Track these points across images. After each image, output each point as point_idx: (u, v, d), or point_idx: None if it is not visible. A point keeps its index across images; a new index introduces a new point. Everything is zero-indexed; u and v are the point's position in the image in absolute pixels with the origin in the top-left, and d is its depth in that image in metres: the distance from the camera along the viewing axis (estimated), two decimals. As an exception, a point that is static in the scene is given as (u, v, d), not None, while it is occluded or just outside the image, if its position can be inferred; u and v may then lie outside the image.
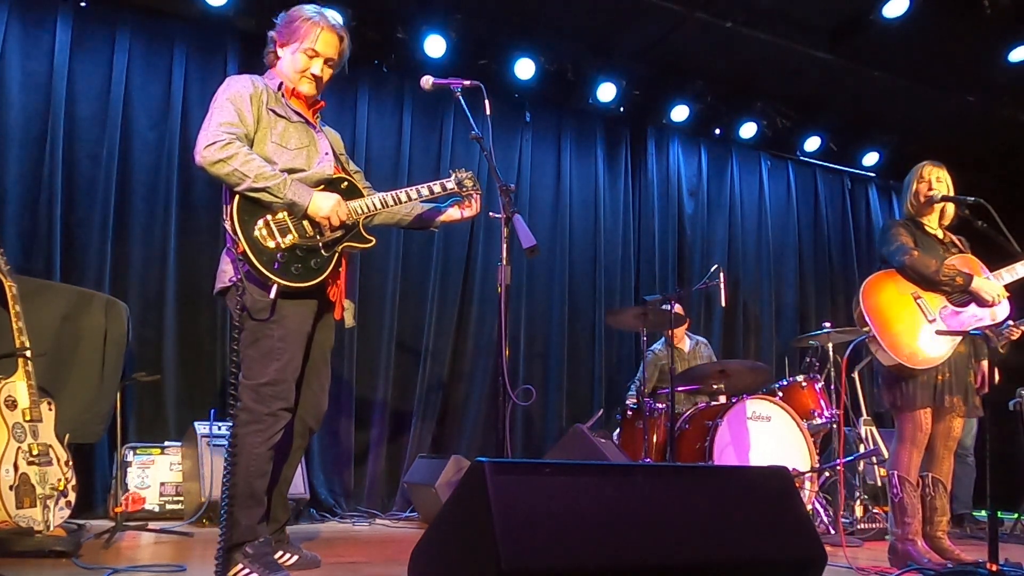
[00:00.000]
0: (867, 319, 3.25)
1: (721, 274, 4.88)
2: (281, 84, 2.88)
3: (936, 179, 3.45)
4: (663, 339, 5.58)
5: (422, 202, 3.11)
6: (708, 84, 6.41)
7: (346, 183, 2.87)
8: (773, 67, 6.05)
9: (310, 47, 2.83)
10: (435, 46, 5.46)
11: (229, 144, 2.61)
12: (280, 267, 2.61)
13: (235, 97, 2.72)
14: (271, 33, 2.93)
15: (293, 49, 2.86)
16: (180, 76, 5.04)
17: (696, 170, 6.90)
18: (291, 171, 2.73)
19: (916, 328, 3.23)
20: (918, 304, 3.27)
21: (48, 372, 3.64)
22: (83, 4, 4.82)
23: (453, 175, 3.10)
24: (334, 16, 2.90)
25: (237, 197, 2.62)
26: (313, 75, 2.87)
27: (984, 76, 5.99)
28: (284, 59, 2.89)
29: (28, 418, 3.27)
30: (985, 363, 3.32)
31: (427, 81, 3.00)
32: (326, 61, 2.88)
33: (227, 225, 2.63)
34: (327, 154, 2.89)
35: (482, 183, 3.39)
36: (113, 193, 4.76)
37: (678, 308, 5.27)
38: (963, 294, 3.29)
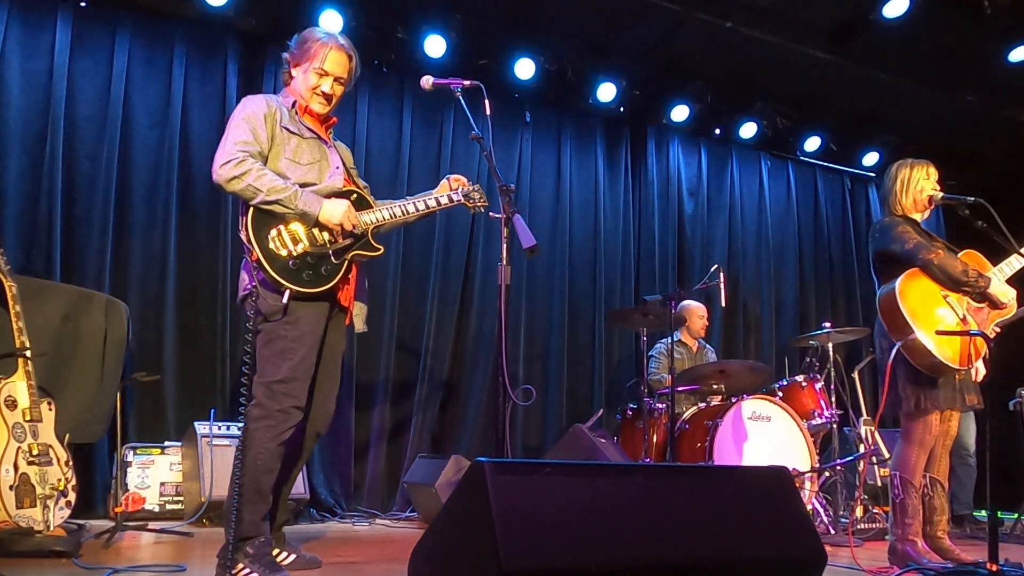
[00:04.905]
0: (909, 321, 3.15)
1: (721, 274, 4.88)
2: (295, 102, 3.01)
3: (936, 179, 3.46)
4: (668, 338, 5.59)
5: (427, 211, 3.17)
6: (708, 84, 6.40)
7: (356, 195, 2.99)
8: (773, 67, 6.05)
9: (320, 66, 2.96)
10: (435, 46, 5.46)
11: (243, 162, 2.76)
12: (292, 273, 2.75)
13: (250, 117, 2.87)
14: (285, 55, 3.07)
15: (305, 69, 2.99)
16: (180, 76, 5.04)
17: (696, 170, 6.89)
18: (304, 185, 2.86)
19: (954, 329, 3.19)
20: (948, 303, 3.24)
21: (48, 372, 3.64)
22: (83, 4, 4.82)
23: (460, 187, 3.20)
24: (344, 37, 3.04)
25: (252, 209, 2.77)
26: (323, 93, 2.99)
27: (984, 76, 5.99)
28: (297, 78, 3.03)
29: (28, 418, 3.27)
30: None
31: (427, 81, 3.07)
32: (336, 79, 3.01)
33: (243, 235, 2.78)
34: (338, 168, 3.02)
35: (482, 183, 3.45)
36: (113, 193, 4.76)
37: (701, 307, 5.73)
38: (981, 295, 3.27)
